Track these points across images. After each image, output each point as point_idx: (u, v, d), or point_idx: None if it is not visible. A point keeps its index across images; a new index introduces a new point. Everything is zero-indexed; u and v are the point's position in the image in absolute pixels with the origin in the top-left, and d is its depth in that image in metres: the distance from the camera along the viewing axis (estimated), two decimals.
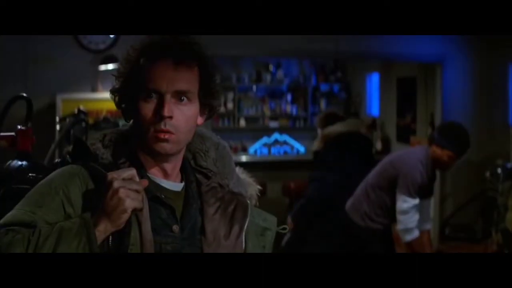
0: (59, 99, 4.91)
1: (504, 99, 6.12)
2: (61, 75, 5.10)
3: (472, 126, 6.20)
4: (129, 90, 1.42)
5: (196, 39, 1.45)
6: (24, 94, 2.04)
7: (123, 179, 1.29)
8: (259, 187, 1.63)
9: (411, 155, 3.91)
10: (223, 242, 1.46)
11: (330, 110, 5.09)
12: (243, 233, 1.50)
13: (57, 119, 4.73)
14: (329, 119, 4.82)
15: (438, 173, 5.64)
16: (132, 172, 1.32)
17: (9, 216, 1.32)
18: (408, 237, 3.74)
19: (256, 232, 1.55)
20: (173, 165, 1.46)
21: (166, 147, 1.39)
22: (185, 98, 1.40)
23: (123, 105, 1.45)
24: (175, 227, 1.40)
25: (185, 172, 1.50)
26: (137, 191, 1.30)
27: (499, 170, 5.47)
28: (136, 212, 1.32)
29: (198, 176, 1.52)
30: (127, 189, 1.28)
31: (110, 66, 4.93)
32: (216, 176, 1.53)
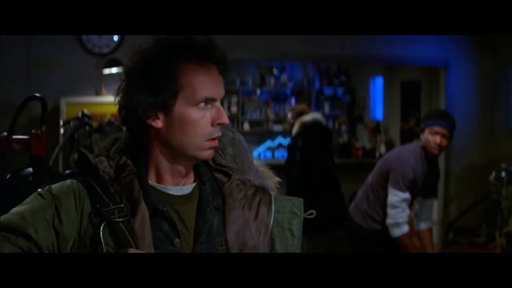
0: (63, 102, 4.92)
1: (508, 102, 6.11)
2: (65, 78, 5.11)
3: (476, 129, 6.21)
4: (161, 96, 1.35)
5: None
6: (38, 95, 2.00)
7: None
8: (278, 179, 1.58)
9: (404, 150, 3.94)
10: (249, 243, 1.42)
11: (302, 106, 5.65)
12: (269, 231, 1.47)
13: (61, 122, 4.75)
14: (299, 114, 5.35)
15: (442, 176, 5.64)
16: None
17: (2, 218, 1.32)
18: (397, 232, 3.71)
19: (282, 224, 1.50)
20: (190, 166, 1.44)
21: (212, 153, 1.42)
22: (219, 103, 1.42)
23: (146, 113, 1.36)
24: (177, 241, 1.36)
25: (198, 172, 1.46)
26: None
27: (503, 174, 5.46)
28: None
29: (218, 175, 1.48)
30: None
31: (114, 70, 4.93)
32: (236, 173, 1.49)
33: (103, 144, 1.45)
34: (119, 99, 1.40)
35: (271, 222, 1.48)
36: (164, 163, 1.40)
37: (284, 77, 8.94)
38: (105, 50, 5.25)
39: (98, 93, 5.13)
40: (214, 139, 1.39)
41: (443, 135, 3.64)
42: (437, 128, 3.64)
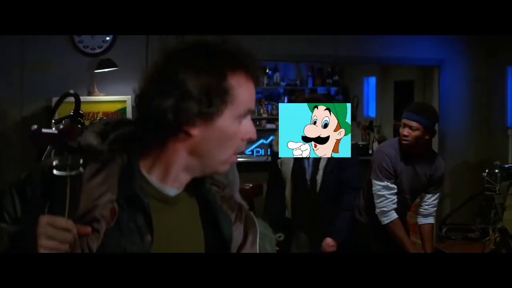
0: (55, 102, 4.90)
1: (501, 101, 6.12)
2: (57, 78, 5.09)
3: (469, 128, 6.22)
4: (212, 107, 1.25)
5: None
6: (72, 91, 1.98)
7: (49, 224, 1.20)
8: (247, 206, 1.55)
9: (385, 143, 4.11)
10: (241, 250, 1.43)
11: None
12: (256, 244, 1.46)
13: (53, 121, 4.73)
14: None
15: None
16: (66, 225, 1.22)
17: None
18: (385, 220, 3.83)
19: (264, 241, 1.57)
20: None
21: (229, 167, 1.36)
22: None
23: (184, 119, 1.25)
24: (148, 238, 1.28)
25: (197, 180, 1.39)
26: (61, 241, 1.20)
27: (496, 170, 5.47)
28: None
29: (213, 187, 1.44)
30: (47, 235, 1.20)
31: (106, 70, 4.93)
32: (227, 188, 1.46)
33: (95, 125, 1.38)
34: (142, 89, 1.28)
35: (258, 236, 1.47)
36: (176, 167, 1.32)
37: (277, 77, 8.95)
38: (98, 51, 5.25)
39: (90, 93, 5.11)
40: (238, 152, 1.34)
41: (410, 127, 3.73)
42: (405, 120, 3.77)
